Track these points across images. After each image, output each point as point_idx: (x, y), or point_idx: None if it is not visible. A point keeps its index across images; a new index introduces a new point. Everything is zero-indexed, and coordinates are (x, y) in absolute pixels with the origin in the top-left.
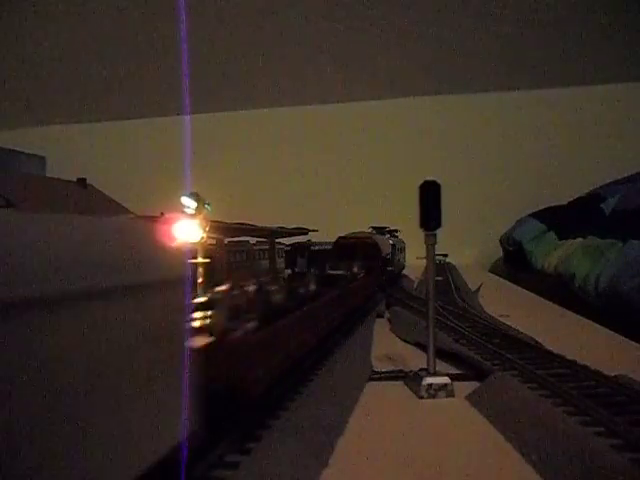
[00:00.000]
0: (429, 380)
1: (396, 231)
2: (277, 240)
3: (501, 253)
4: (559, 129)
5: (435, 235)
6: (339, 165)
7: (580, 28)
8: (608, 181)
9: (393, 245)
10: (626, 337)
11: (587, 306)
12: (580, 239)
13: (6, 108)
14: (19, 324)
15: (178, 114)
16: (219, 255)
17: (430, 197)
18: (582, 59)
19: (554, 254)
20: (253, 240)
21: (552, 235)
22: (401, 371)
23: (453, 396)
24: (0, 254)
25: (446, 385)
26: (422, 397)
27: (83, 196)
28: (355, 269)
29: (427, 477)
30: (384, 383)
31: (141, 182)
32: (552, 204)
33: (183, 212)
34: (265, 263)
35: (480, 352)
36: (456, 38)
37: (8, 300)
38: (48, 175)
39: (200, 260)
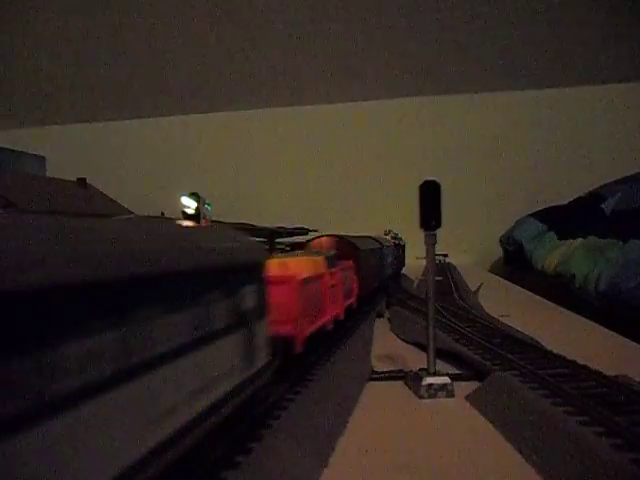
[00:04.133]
0: (429, 380)
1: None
2: (277, 240)
3: (501, 253)
4: (559, 129)
5: (435, 235)
6: (339, 165)
7: (580, 28)
8: (608, 181)
9: None
10: (626, 337)
11: (587, 306)
12: (580, 239)
13: (6, 108)
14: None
15: (178, 114)
16: None
17: (430, 197)
18: (582, 59)
19: (554, 254)
20: None
21: (552, 235)
22: (401, 371)
23: (453, 396)
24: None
25: (446, 385)
26: (422, 397)
27: (83, 196)
28: None
29: (427, 477)
30: (384, 383)
31: (141, 182)
32: (552, 204)
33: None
34: None
35: (480, 352)
36: (456, 38)
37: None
38: (48, 175)
39: None
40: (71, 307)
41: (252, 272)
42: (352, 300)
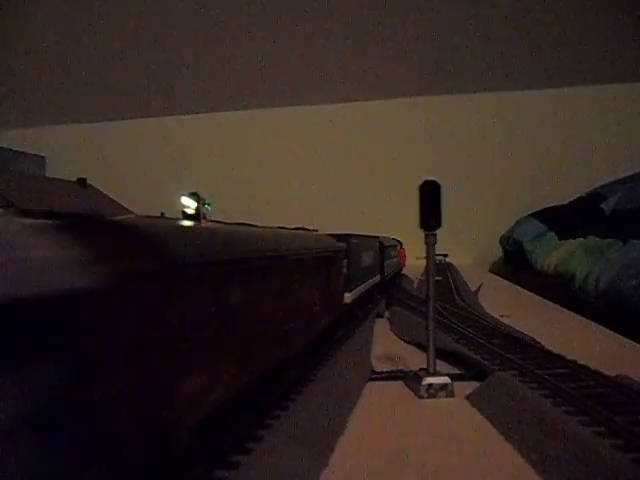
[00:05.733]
0: (429, 380)
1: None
2: None
3: (501, 253)
4: (559, 129)
5: (435, 235)
6: (339, 165)
7: (580, 28)
8: (608, 181)
9: None
10: (626, 337)
11: (587, 306)
12: (580, 239)
13: (6, 108)
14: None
15: (178, 114)
16: None
17: (430, 197)
18: (582, 59)
19: (554, 254)
20: None
21: (552, 235)
22: (401, 371)
23: (453, 396)
24: None
25: (446, 385)
26: (422, 397)
27: (83, 196)
28: None
29: (427, 477)
30: (384, 383)
31: (141, 182)
32: (552, 204)
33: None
34: None
35: (480, 352)
36: (456, 38)
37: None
38: (48, 175)
39: None
40: None
41: (395, 246)
42: (404, 263)
